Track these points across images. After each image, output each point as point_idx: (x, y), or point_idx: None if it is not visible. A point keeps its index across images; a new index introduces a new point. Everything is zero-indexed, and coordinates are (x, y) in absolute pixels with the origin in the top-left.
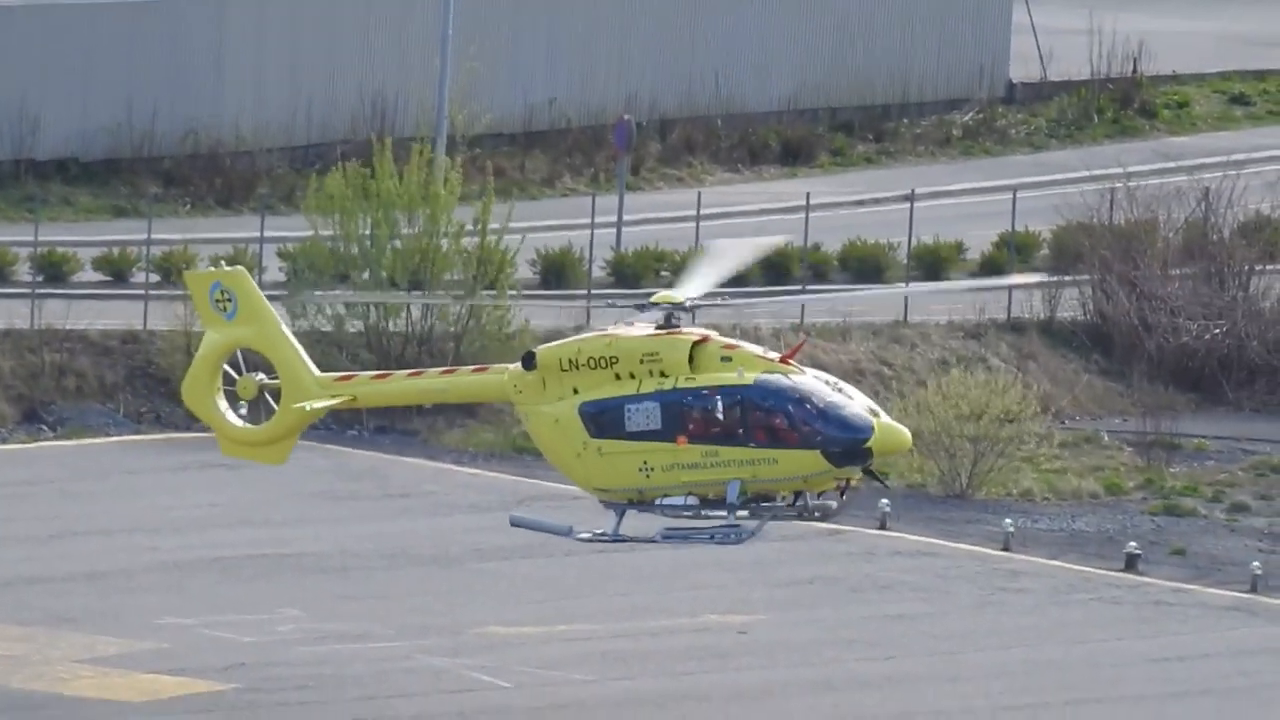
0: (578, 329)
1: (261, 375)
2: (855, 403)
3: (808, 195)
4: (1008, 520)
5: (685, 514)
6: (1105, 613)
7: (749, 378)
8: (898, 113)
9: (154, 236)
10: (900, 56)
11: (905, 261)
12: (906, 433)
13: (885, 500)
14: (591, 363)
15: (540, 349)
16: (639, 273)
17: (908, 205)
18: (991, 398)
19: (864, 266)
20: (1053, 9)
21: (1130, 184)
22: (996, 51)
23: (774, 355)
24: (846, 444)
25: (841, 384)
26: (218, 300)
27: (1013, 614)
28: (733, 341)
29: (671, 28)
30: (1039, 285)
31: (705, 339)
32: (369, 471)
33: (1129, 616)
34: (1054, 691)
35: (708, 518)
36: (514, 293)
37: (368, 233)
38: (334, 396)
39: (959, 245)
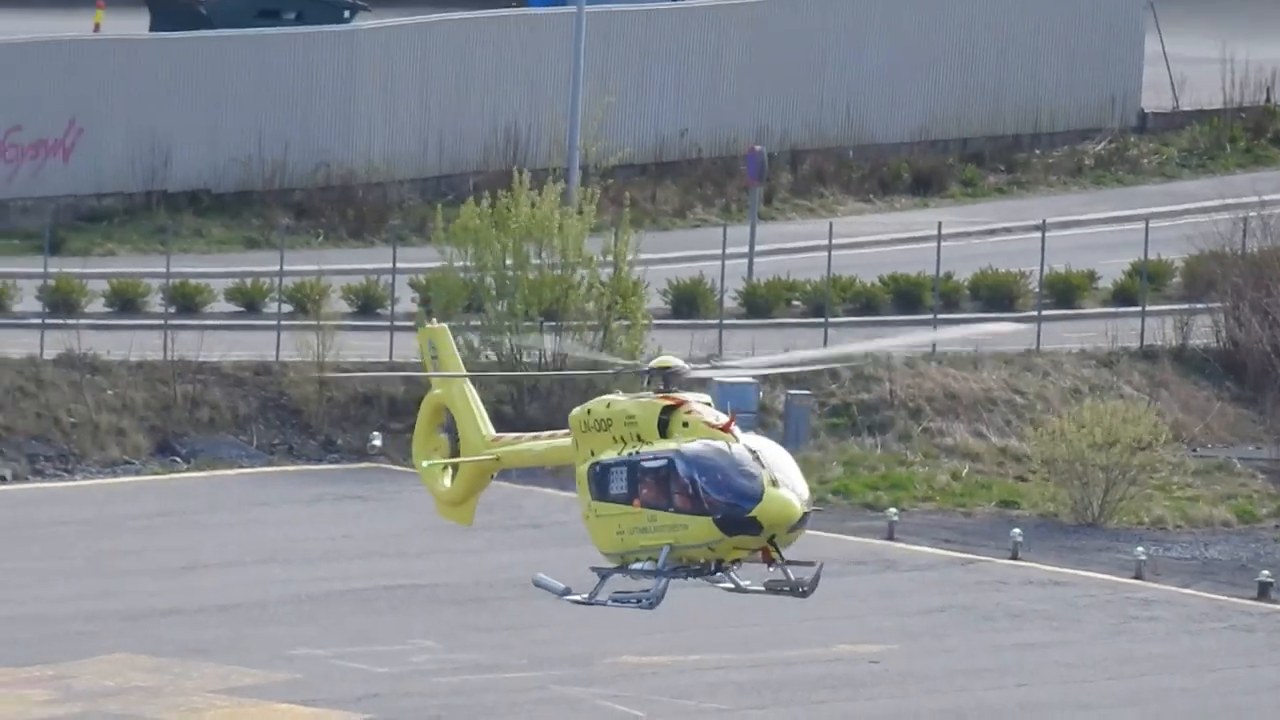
0: (710, 359)
1: None
2: (757, 475)
3: (939, 225)
4: (1140, 548)
5: (645, 578)
6: (1238, 641)
7: (679, 445)
8: (1029, 143)
9: (286, 268)
10: (1031, 86)
11: (1037, 290)
12: (793, 506)
13: (1017, 530)
14: (596, 424)
15: (573, 411)
16: (770, 303)
17: (1039, 235)
18: (1124, 426)
19: (995, 295)
20: (1185, 38)
21: (1263, 212)
22: (1128, 81)
23: (723, 421)
24: (730, 513)
25: (765, 454)
26: (433, 357)
27: (1145, 642)
28: (697, 408)
29: (801, 59)
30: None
31: (679, 404)
32: (501, 502)
33: (1261, 644)
34: (1186, 719)
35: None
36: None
37: (502, 264)
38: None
39: (1091, 274)
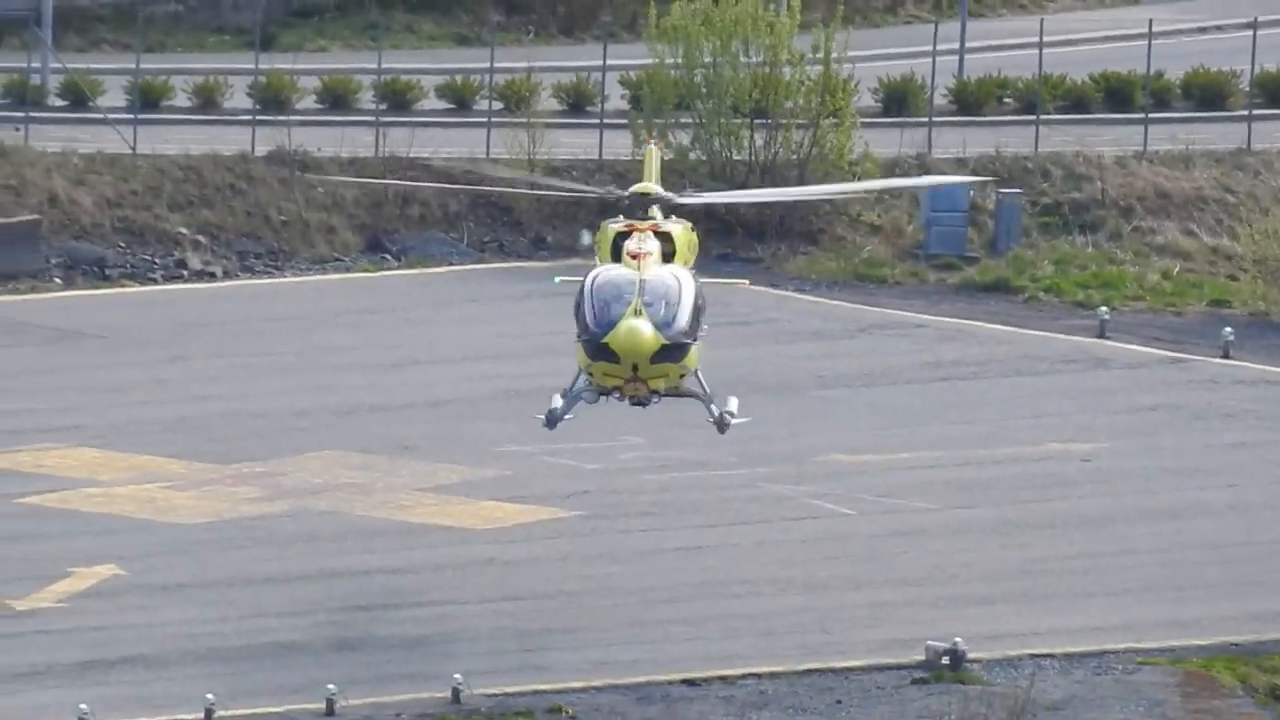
0: (919, 157)
1: None
2: (625, 304)
3: (1150, 23)
4: None
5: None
6: None
7: (593, 273)
8: None
9: (496, 64)
10: None
11: (1248, 89)
12: (640, 336)
13: (1228, 328)
14: (599, 244)
15: None
16: (981, 100)
17: (1250, 33)
18: None
19: (1206, 94)
20: None
21: None
22: None
23: (639, 250)
24: (590, 338)
25: (653, 285)
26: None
27: None
28: (636, 236)
29: None
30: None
31: (630, 230)
32: (711, 299)
33: None
34: None
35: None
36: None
37: (711, 62)
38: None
39: None
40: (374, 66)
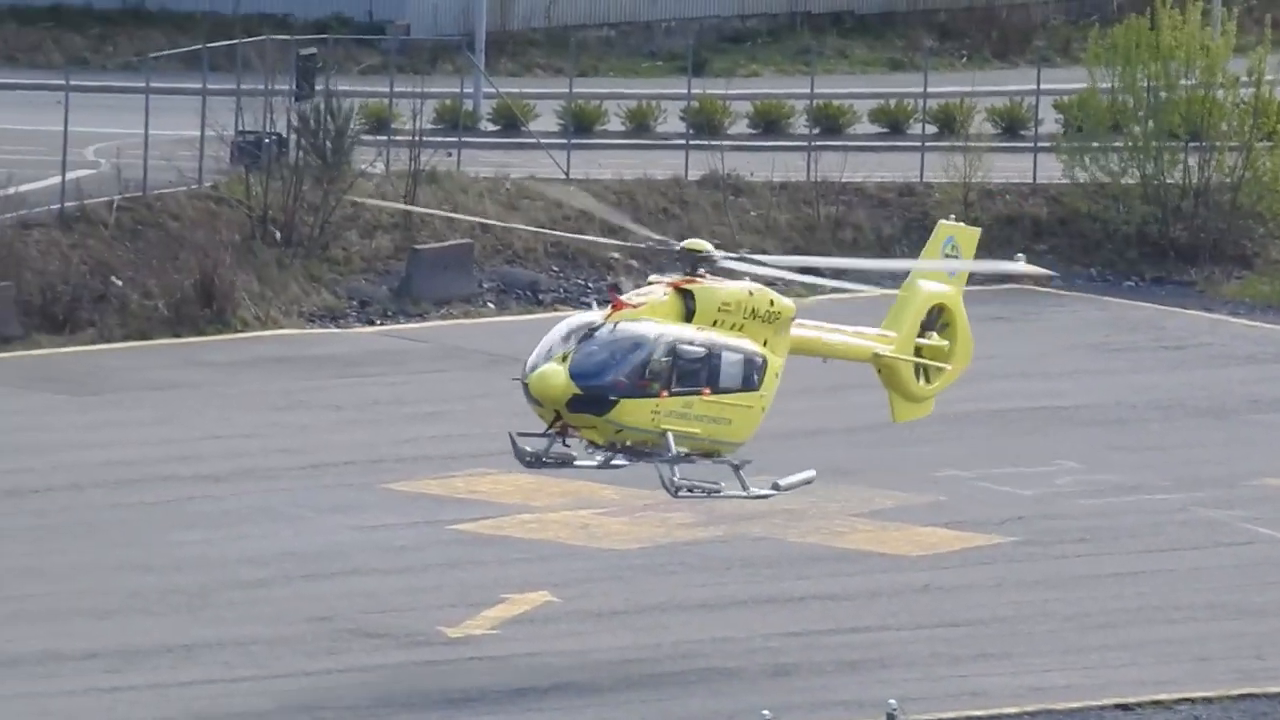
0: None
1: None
2: (557, 352)
3: None
4: None
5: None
6: None
7: None
8: None
9: (930, 89)
10: None
11: None
12: (550, 382)
13: None
14: None
15: None
16: None
17: None
18: None
19: None
20: None
21: None
22: None
23: (624, 303)
24: (520, 378)
25: (602, 336)
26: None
27: None
28: (645, 288)
29: None
30: None
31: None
32: (1145, 323)
33: None
34: None
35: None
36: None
37: (1146, 84)
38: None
39: None
40: (806, 91)
